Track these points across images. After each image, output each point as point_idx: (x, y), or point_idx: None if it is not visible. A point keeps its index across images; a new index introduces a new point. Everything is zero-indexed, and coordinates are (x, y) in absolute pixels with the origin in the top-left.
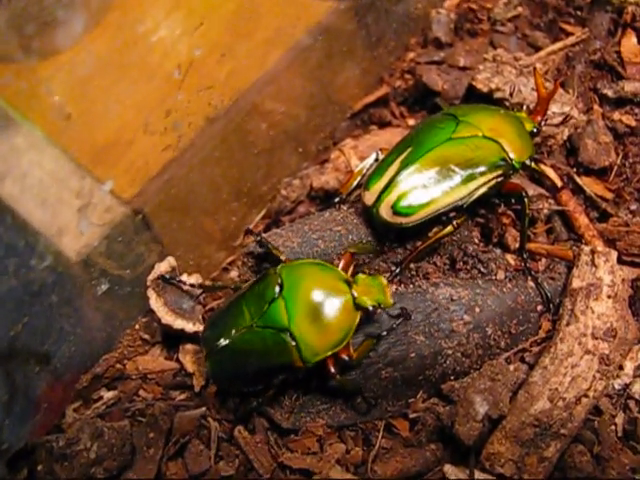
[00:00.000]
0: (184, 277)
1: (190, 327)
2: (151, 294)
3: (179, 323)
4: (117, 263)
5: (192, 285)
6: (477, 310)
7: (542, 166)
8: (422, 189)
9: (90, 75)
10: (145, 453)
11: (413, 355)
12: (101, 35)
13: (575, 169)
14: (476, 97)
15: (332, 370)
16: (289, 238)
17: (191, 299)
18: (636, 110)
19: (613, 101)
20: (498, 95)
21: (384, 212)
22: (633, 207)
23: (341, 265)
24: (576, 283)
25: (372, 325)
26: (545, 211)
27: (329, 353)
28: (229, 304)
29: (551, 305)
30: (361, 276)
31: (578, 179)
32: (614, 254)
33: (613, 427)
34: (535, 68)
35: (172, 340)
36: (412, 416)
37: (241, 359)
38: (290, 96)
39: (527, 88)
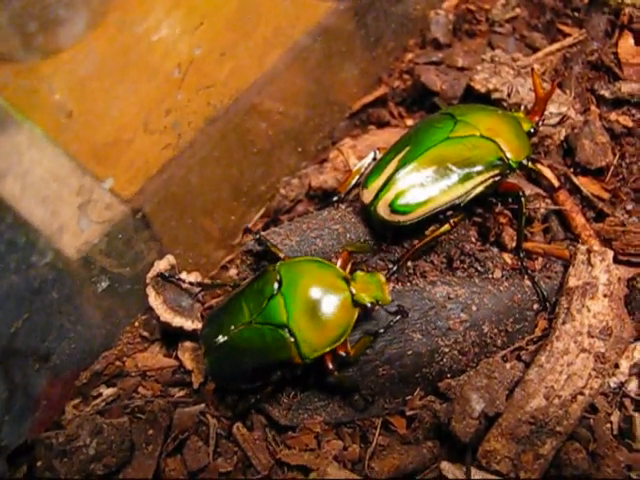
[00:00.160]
0: (183, 275)
1: (189, 325)
2: (150, 292)
3: (178, 321)
4: (117, 261)
5: (191, 283)
6: (474, 308)
7: (539, 166)
8: (420, 188)
9: (91, 74)
10: (144, 450)
11: (410, 353)
12: (102, 34)
13: (572, 169)
14: (474, 97)
15: (330, 367)
16: (287, 236)
17: (190, 297)
18: (633, 111)
19: (610, 102)
20: (496, 95)
21: (382, 210)
22: (629, 207)
23: (339, 263)
24: (572, 282)
25: (370, 322)
26: (542, 211)
27: (327, 349)
28: (228, 301)
29: (547, 304)
30: (359, 273)
31: (575, 179)
32: (610, 253)
33: (609, 425)
34: (533, 69)
35: (171, 337)
36: (409, 413)
37: (239, 356)
38: (289, 96)
39: (525, 88)
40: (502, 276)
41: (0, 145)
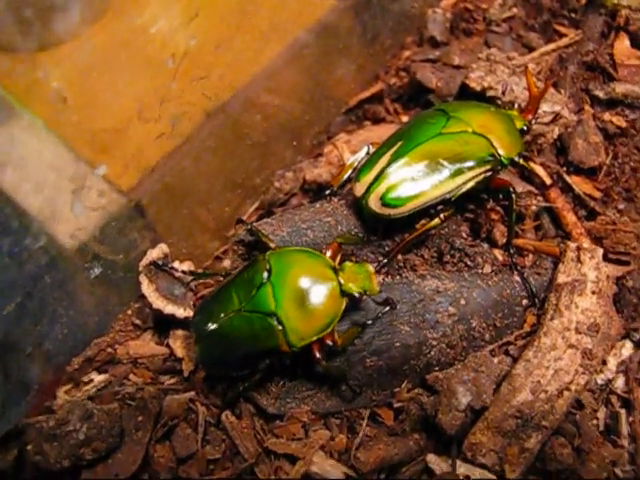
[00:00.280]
0: (176, 264)
1: (181, 312)
2: (143, 280)
3: (170, 308)
4: (110, 248)
5: (184, 272)
6: (462, 302)
7: (531, 164)
8: (411, 182)
9: (87, 64)
10: (133, 436)
11: (398, 345)
12: (100, 26)
13: (565, 168)
14: (469, 95)
15: (317, 355)
16: (279, 227)
17: (182, 286)
18: (627, 111)
19: (604, 102)
20: (490, 93)
21: (373, 203)
22: (621, 206)
23: (329, 254)
24: (561, 278)
25: (358, 313)
26: (533, 208)
27: (314, 338)
28: (219, 290)
29: (536, 300)
30: (348, 264)
31: (567, 178)
32: (600, 251)
33: (595, 421)
34: (527, 67)
35: (163, 325)
36: (396, 405)
37: (229, 343)
38: (286, 90)
39: (519, 87)
40: (492, 271)
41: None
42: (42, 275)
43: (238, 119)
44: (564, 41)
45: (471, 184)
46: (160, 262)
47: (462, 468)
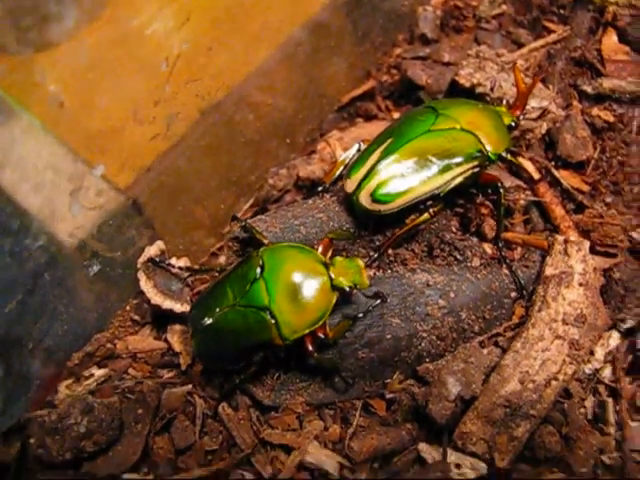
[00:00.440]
0: (173, 260)
1: (178, 307)
2: (141, 276)
3: (168, 304)
4: (108, 246)
5: (180, 268)
6: (452, 295)
7: (520, 159)
8: (400, 178)
9: (84, 66)
10: (133, 428)
11: (389, 337)
12: (95, 29)
13: (553, 162)
14: (459, 92)
15: (310, 348)
16: (272, 224)
17: (179, 282)
18: (614, 106)
19: (592, 97)
20: (480, 90)
21: (364, 199)
22: (608, 200)
23: (320, 249)
24: (549, 271)
25: (349, 307)
26: (522, 202)
27: (307, 331)
28: (214, 285)
29: (524, 292)
30: (338, 259)
31: (556, 172)
32: (586, 244)
33: (583, 410)
34: (515, 64)
35: (161, 321)
36: (389, 396)
37: (224, 337)
38: (279, 89)
39: (508, 83)
40: (481, 265)
41: None
42: (42, 273)
43: (232, 118)
44: (552, 37)
45: (460, 180)
46: (157, 259)
47: (453, 456)
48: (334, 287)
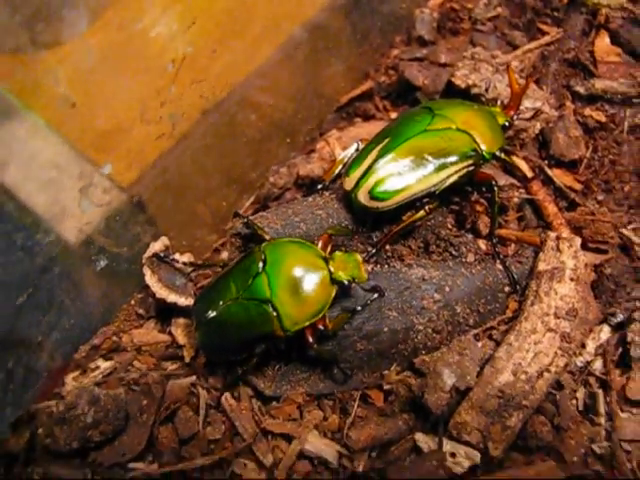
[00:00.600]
0: (177, 256)
1: (182, 301)
2: (146, 271)
3: (172, 297)
4: (115, 241)
5: (184, 263)
6: (447, 289)
7: (513, 158)
8: (397, 176)
9: (91, 67)
10: (138, 419)
11: (386, 330)
12: (100, 31)
13: (546, 161)
14: (454, 92)
15: (310, 340)
16: (273, 220)
17: (183, 276)
18: (606, 106)
19: (585, 98)
20: (475, 91)
21: (362, 197)
22: (600, 198)
23: (320, 245)
24: (541, 266)
25: (348, 300)
26: (516, 200)
27: (307, 323)
28: (217, 279)
29: (518, 287)
30: (337, 253)
31: (549, 171)
32: (578, 240)
33: (574, 401)
34: (509, 65)
35: (165, 314)
36: (386, 387)
37: (227, 329)
38: (279, 90)
39: (502, 84)
40: (475, 260)
41: (6, 134)
42: (51, 267)
43: (234, 118)
44: (546, 39)
45: (455, 178)
46: (162, 254)
47: (448, 446)
48: (333, 281)
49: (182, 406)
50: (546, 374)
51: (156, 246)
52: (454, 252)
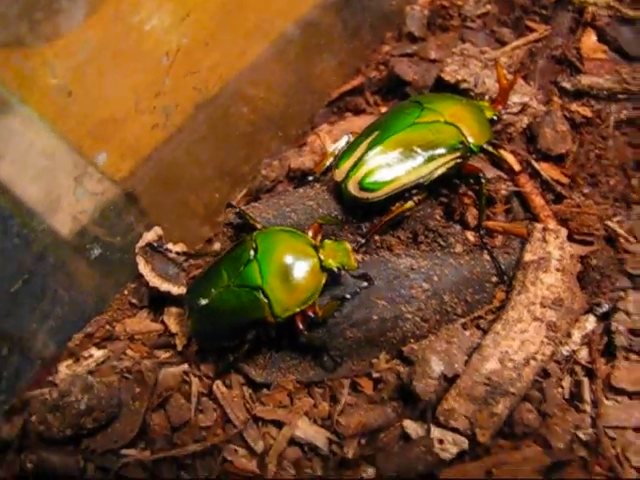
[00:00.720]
0: (170, 245)
1: (175, 290)
2: (140, 260)
3: (165, 286)
4: (108, 231)
5: (177, 253)
6: (435, 279)
7: (501, 151)
8: (387, 167)
9: (89, 58)
10: (131, 406)
11: (375, 318)
12: (98, 23)
13: (534, 155)
14: (444, 87)
15: (300, 326)
16: (265, 211)
17: (176, 266)
18: (592, 102)
19: (571, 93)
20: (464, 86)
21: (352, 188)
22: (586, 191)
23: (310, 234)
24: (528, 257)
25: (338, 288)
26: (503, 192)
27: (297, 310)
28: (209, 268)
29: (505, 277)
30: (327, 242)
31: (536, 164)
32: (564, 232)
33: (560, 389)
34: (497, 61)
35: (158, 303)
36: (375, 375)
37: (219, 316)
38: (272, 84)
39: (491, 79)
40: (463, 251)
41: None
42: (46, 256)
43: (227, 111)
44: (534, 36)
45: (443, 170)
46: (155, 244)
47: (436, 432)
48: (323, 268)
49: (174, 394)
50: (532, 362)
51: (149, 236)
52: (442, 243)
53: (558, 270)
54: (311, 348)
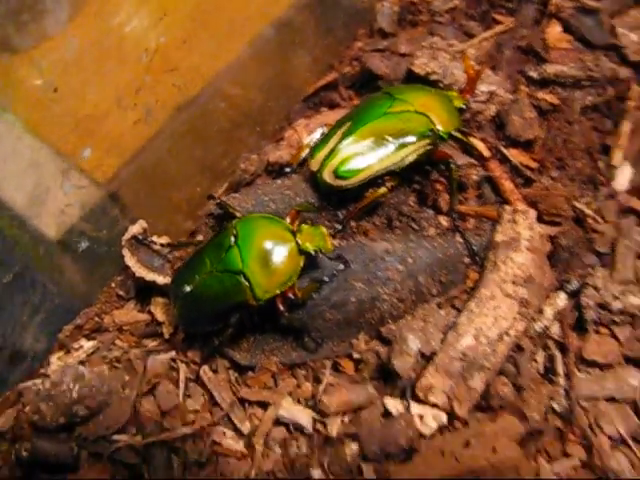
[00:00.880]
0: (154, 238)
1: (161, 279)
2: (126, 252)
3: (151, 276)
4: (94, 226)
5: (162, 245)
6: (410, 261)
7: (471, 138)
8: (360, 156)
9: (73, 57)
10: (121, 393)
11: (353, 300)
12: (80, 24)
13: (503, 142)
14: (415, 80)
15: (281, 308)
16: (244, 200)
17: (161, 257)
18: (558, 90)
19: (538, 82)
20: (433, 77)
21: (327, 176)
22: (554, 174)
23: (288, 220)
24: (499, 238)
25: (316, 271)
26: (474, 178)
27: (277, 291)
28: (193, 256)
29: (477, 258)
30: (304, 226)
31: (505, 150)
32: (533, 213)
33: (534, 363)
34: (464, 52)
35: (144, 295)
36: (356, 356)
37: (204, 301)
38: (249, 82)
39: (459, 71)
40: (436, 234)
41: None
42: (36, 249)
43: (206, 108)
44: (500, 28)
45: (414, 156)
46: (140, 236)
47: (416, 409)
48: (301, 251)
49: (163, 380)
50: (506, 337)
51: (134, 229)
52: (416, 227)
53: (528, 249)
54: (292, 330)
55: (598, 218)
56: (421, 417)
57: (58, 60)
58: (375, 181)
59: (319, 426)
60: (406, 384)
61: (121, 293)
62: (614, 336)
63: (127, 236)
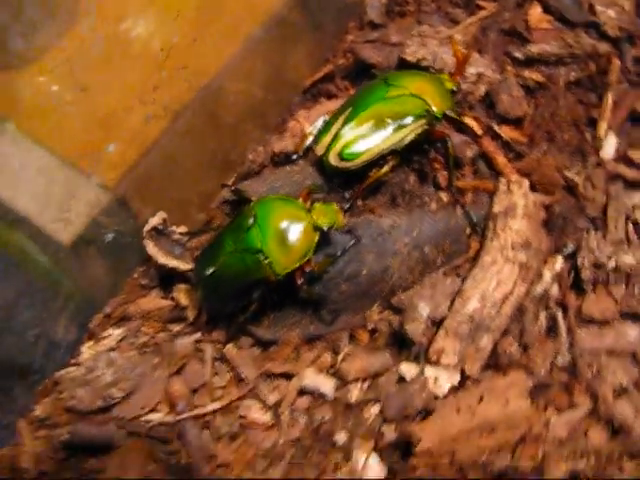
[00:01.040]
0: (173, 228)
1: (183, 266)
2: (148, 243)
3: (174, 263)
4: (116, 220)
5: (181, 233)
6: (415, 234)
7: (463, 117)
8: (362, 138)
9: (98, 56)
10: (152, 375)
11: (365, 272)
12: (102, 24)
13: (494, 120)
14: (406, 67)
15: (299, 281)
16: (257, 186)
17: (180, 246)
18: (543, 68)
19: (523, 62)
20: (424, 63)
21: (332, 159)
22: (544, 147)
23: (301, 200)
24: (496, 208)
25: (330, 247)
26: (469, 155)
27: (295, 266)
28: (213, 240)
29: (477, 228)
30: (317, 204)
31: (496, 127)
32: (526, 182)
33: (538, 322)
34: (452, 37)
35: (167, 282)
36: (370, 327)
37: (226, 280)
38: (251, 77)
39: (448, 55)
40: (438, 208)
41: None
42: (66, 243)
43: (213, 103)
44: (484, 13)
45: (412, 136)
46: (160, 227)
47: (430, 371)
48: (315, 228)
49: (190, 360)
50: (509, 299)
51: (154, 220)
52: (418, 202)
53: (524, 216)
54: (310, 304)
55: (588, 185)
56: (435, 379)
57: (85, 59)
58: (377, 161)
59: (340, 393)
60: (419, 349)
61: (144, 282)
62: (610, 293)
63: (148, 227)
